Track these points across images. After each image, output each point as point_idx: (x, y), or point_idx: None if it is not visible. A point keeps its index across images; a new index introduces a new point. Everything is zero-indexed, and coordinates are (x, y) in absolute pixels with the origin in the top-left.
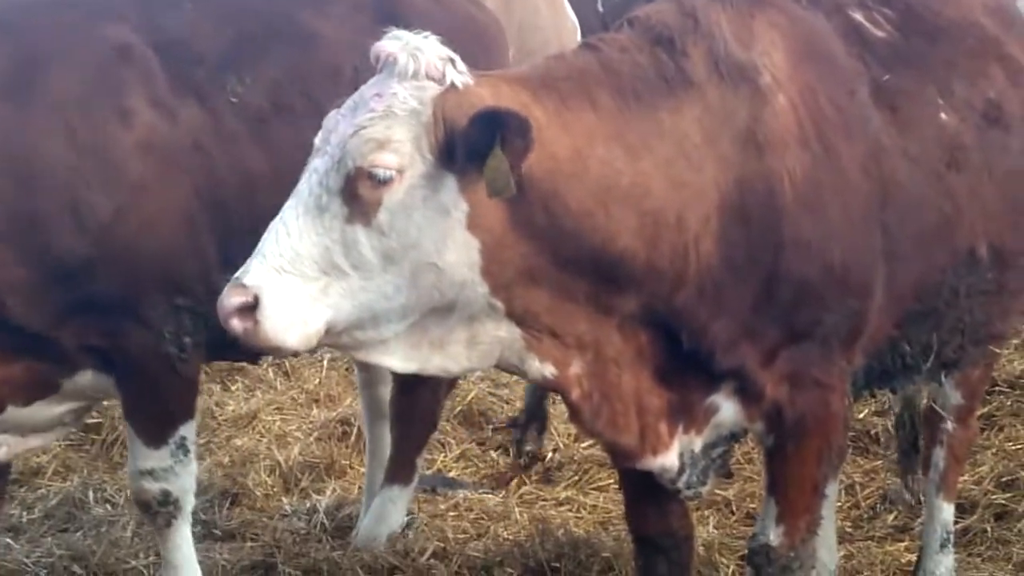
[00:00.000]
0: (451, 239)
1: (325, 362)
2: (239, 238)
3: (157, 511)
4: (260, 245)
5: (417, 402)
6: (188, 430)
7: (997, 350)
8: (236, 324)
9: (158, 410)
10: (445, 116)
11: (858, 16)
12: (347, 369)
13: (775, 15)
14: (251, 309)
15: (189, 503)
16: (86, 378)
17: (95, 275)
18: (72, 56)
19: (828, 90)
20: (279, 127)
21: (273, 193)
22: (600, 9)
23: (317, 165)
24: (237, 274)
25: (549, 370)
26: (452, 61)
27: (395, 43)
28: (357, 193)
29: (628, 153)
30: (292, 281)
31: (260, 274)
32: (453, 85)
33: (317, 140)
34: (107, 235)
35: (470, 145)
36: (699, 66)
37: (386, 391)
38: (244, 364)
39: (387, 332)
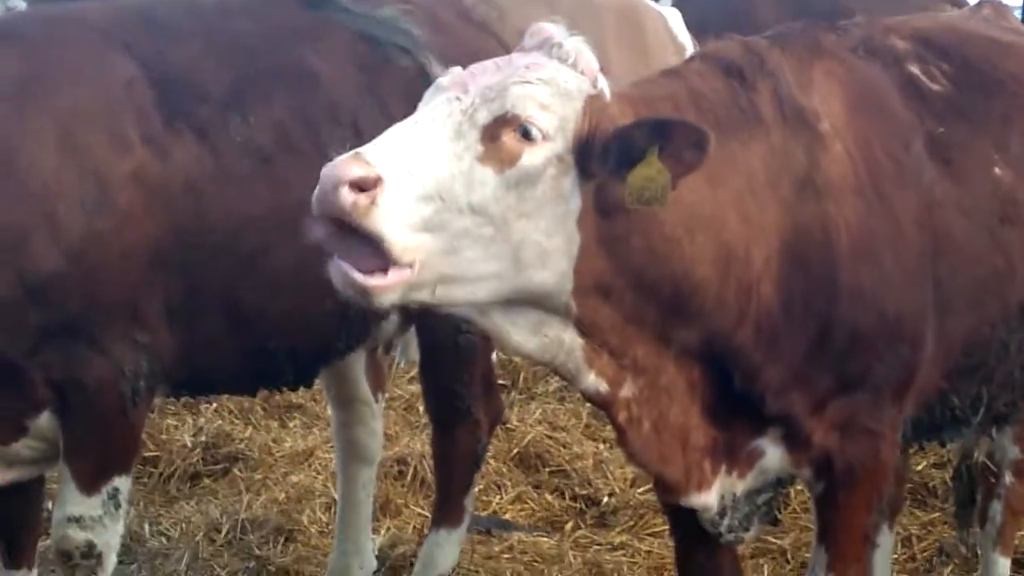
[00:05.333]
0: (562, 226)
1: (383, 402)
2: (212, 280)
3: (78, 563)
4: (383, 136)
5: (457, 442)
6: (123, 483)
7: None
8: (346, 194)
9: (98, 453)
10: (590, 116)
11: (915, 69)
12: (405, 409)
13: (833, 65)
14: (365, 189)
15: (111, 561)
16: (44, 420)
17: (64, 295)
18: (82, 79)
19: (883, 141)
20: (285, 167)
21: (268, 234)
22: None
23: (458, 95)
24: (357, 150)
25: (603, 386)
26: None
27: (559, 30)
28: (500, 138)
29: (709, 182)
30: (414, 185)
31: (387, 158)
32: (603, 92)
33: (445, 81)
34: (80, 255)
35: (625, 149)
36: (767, 104)
37: (361, 432)
38: (302, 401)
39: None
